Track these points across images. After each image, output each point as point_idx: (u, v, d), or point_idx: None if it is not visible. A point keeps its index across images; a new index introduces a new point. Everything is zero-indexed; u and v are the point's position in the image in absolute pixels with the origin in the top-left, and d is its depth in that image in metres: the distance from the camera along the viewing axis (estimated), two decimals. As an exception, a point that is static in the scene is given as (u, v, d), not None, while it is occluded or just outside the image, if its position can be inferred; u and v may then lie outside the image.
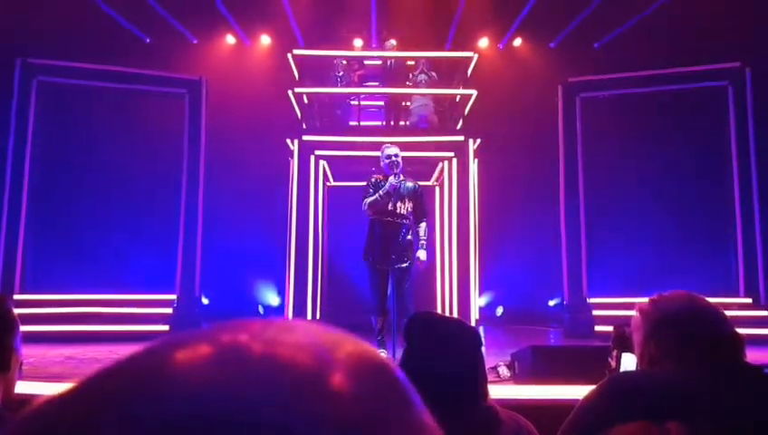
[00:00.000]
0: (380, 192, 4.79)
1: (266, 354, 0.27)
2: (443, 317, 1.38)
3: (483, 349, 1.34)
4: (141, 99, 7.84)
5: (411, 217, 4.92)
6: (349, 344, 0.29)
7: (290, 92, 7.71)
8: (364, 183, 5.05)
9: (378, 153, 5.12)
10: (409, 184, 4.95)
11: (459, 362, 1.27)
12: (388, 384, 0.28)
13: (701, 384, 1.23)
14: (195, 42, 9.09)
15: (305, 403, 0.24)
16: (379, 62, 8.58)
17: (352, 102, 8.39)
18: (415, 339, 1.31)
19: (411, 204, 4.91)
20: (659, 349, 1.33)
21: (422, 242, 4.92)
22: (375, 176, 5.00)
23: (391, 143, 5.07)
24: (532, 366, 3.47)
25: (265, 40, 9.33)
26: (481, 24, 9.11)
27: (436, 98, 8.19)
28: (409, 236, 4.92)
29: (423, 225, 4.98)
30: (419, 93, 8.01)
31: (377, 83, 8.70)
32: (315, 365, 0.26)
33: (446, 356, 1.26)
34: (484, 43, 9.40)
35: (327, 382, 0.25)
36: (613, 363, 2.00)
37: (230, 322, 0.30)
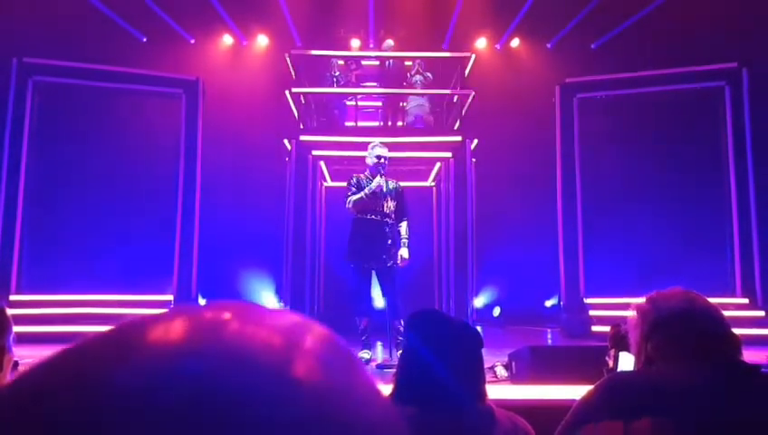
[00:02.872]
0: (366, 191, 4.83)
1: (242, 334, 0.29)
2: (445, 316, 1.37)
3: (482, 349, 1.33)
4: (138, 98, 7.81)
5: (393, 217, 4.96)
6: (315, 330, 0.32)
7: (287, 92, 7.70)
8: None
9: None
10: (392, 184, 5.01)
11: (460, 362, 1.26)
12: (345, 366, 0.31)
13: (698, 384, 1.23)
14: (192, 41, 9.07)
15: (271, 385, 0.26)
16: (377, 63, 8.58)
17: (348, 103, 8.39)
18: (416, 337, 1.30)
19: (394, 203, 4.95)
20: (656, 348, 1.32)
21: (404, 241, 4.96)
22: (356, 175, 5.02)
23: (383, 143, 5.09)
24: (530, 366, 3.46)
25: (263, 40, 9.31)
26: (478, 25, 9.11)
27: (432, 98, 8.19)
28: (391, 235, 4.94)
29: (404, 224, 5.02)
30: (417, 94, 8.02)
31: (375, 84, 8.70)
32: (285, 348, 0.29)
33: (446, 355, 1.25)
34: (481, 43, 9.40)
35: (295, 366, 0.28)
36: (611, 363, 1.99)
37: (218, 302, 0.32)
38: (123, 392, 0.25)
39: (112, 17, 8.13)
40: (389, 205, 4.92)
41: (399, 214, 4.98)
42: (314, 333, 0.31)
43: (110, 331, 0.29)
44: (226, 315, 0.30)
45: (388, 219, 4.90)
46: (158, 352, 0.27)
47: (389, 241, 4.87)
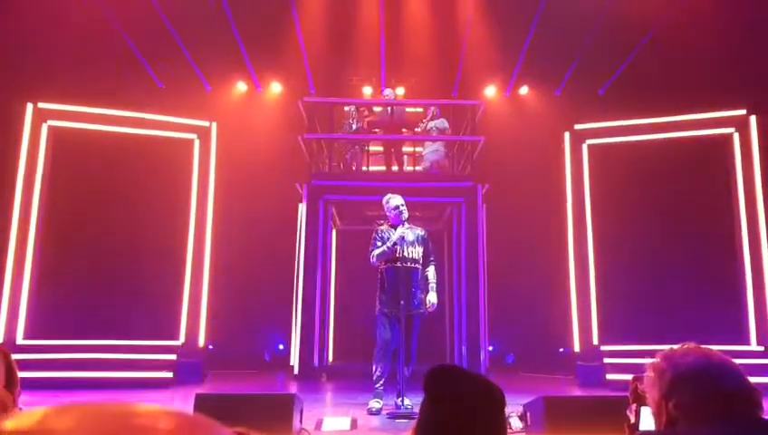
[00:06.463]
0: (388, 244, 4.87)
1: None
2: (467, 373, 1.35)
3: (506, 409, 1.31)
4: (151, 143, 7.86)
5: (420, 262, 4.98)
6: None
7: (300, 138, 7.80)
8: (373, 230, 5.10)
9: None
10: (416, 230, 5.06)
11: (482, 421, 1.24)
12: None
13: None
14: (208, 88, 9.25)
15: None
16: (381, 109, 8.73)
17: (358, 146, 8.49)
18: (436, 394, 1.28)
19: (421, 248, 4.98)
20: (678, 408, 1.31)
21: (432, 285, 4.99)
22: (380, 227, 5.06)
23: (394, 191, 5.18)
24: (545, 418, 3.39)
25: (276, 87, 9.51)
26: (487, 73, 9.28)
27: (447, 144, 8.30)
28: (419, 281, 4.97)
29: (431, 268, 5.06)
30: (429, 139, 8.11)
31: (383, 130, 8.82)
32: None
33: (468, 414, 1.24)
34: (491, 91, 9.56)
35: None
36: (632, 418, 1.96)
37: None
38: None
39: (128, 62, 8.23)
40: (417, 250, 4.96)
41: (426, 259, 5.04)
42: None
43: None
44: None
45: (416, 265, 4.94)
46: None
47: (416, 289, 4.90)
